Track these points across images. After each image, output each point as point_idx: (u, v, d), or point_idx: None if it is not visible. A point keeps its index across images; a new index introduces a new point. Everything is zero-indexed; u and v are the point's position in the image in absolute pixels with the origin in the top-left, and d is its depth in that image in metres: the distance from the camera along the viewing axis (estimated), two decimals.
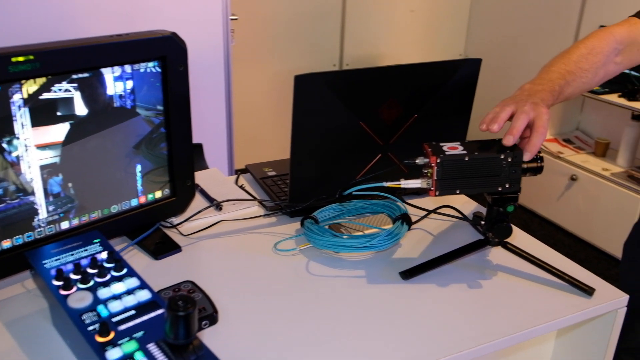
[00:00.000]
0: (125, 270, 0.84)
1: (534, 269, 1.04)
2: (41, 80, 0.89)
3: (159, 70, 1.02)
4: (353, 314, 0.92)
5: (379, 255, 1.09)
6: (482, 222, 1.07)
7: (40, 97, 0.89)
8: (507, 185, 0.96)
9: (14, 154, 0.89)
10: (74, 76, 0.92)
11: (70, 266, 0.84)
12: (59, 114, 0.92)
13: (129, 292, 0.80)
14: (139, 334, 0.72)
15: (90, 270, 0.83)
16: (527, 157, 0.95)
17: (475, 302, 0.96)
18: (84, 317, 0.75)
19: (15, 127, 0.88)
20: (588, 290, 0.97)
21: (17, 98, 0.87)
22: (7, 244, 0.92)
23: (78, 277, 0.82)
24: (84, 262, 0.85)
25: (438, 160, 0.93)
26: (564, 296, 0.98)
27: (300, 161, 1.15)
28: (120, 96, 0.99)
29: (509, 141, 0.94)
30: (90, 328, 0.73)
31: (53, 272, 0.82)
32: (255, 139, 3.41)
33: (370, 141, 1.18)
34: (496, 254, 1.09)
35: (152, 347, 0.70)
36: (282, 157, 1.43)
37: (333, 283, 1.00)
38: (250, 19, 3.19)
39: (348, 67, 3.53)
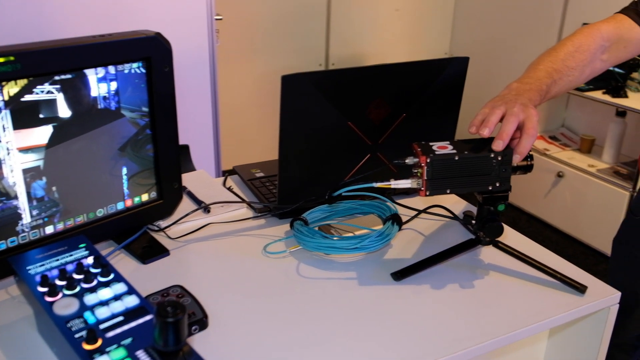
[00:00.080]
0: (112, 276, 0.82)
1: (525, 268, 1.04)
2: (23, 82, 0.87)
3: (143, 71, 1.01)
4: (344, 316, 0.91)
5: (370, 256, 1.08)
6: (473, 222, 1.06)
7: (22, 99, 0.87)
8: (497, 184, 0.96)
9: None
10: (57, 77, 0.90)
11: (55, 272, 0.82)
12: (41, 116, 0.90)
13: (117, 297, 0.78)
14: (127, 340, 0.71)
15: (76, 276, 0.82)
16: (516, 159, 0.95)
17: (468, 303, 0.95)
18: (70, 324, 0.73)
19: None
20: (580, 288, 0.97)
21: None
22: None
23: (64, 283, 0.80)
24: (69, 267, 0.83)
25: (428, 160, 0.93)
26: (557, 294, 0.97)
27: (288, 162, 1.13)
28: (105, 98, 0.97)
29: (498, 146, 0.93)
30: (77, 335, 0.71)
31: (38, 278, 0.80)
32: (242, 140, 3.39)
33: (359, 141, 1.17)
34: (487, 253, 1.09)
35: (141, 354, 0.68)
36: (269, 158, 1.41)
37: (324, 285, 0.99)
38: (235, 19, 3.17)
39: (334, 66, 3.52)
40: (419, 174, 0.94)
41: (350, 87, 1.13)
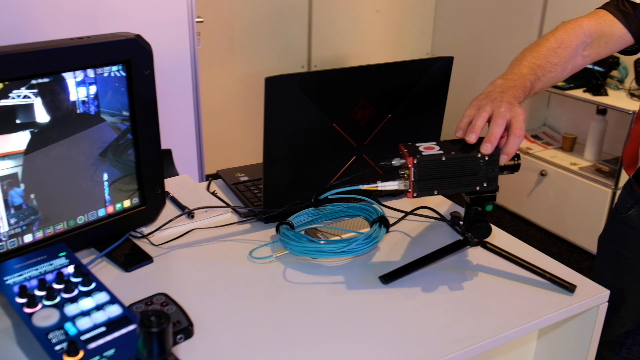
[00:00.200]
0: (93, 285, 0.80)
1: (514, 268, 1.03)
2: None
3: (123, 74, 0.98)
4: (333, 320, 0.90)
5: (358, 259, 1.06)
6: (461, 222, 1.05)
7: None
8: (484, 184, 0.95)
9: None
10: (34, 81, 0.88)
11: (34, 282, 0.79)
12: (18, 121, 0.88)
13: (99, 307, 0.76)
14: (110, 352, 0.69)
15: (56, 286, 0.79)
16: (503, 160, 0.94)
17: (457, 305, 0.94)
18: (50, 336, 0.71)
19: None
20: (570, 288, 0.96)
21: None
22: None
23: (43, 293, 0.77)
24: (49, 277, 0.81)
25: (415, 161, 0.92)
26: (546, 294, 0.97)
27: (273, 165, 1.12)
28: (84, 102, 0.95)
29: (487, 149, 0.92)
30: (58, 347, 0.69)
31: (16, 288, 0.78)
32: (226, 144, 3.36)
33: (345, 143, 1.16)
34: (476, 254, 1.08)
35: None
36: (253, 161, 1.40)
37: (311, 290, 0.97)
38: (216, 22, 3.15)
39: (316, 68, 3.51)
40: (406, 176, 0.93)
41: (335, 89, 1.11)
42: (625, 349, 1.60)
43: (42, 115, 0.90)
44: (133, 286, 0.97)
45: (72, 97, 0.93)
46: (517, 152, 0.96)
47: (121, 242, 1.06)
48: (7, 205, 0.90)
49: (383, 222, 1.07)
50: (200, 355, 0.82)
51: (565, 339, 1.05)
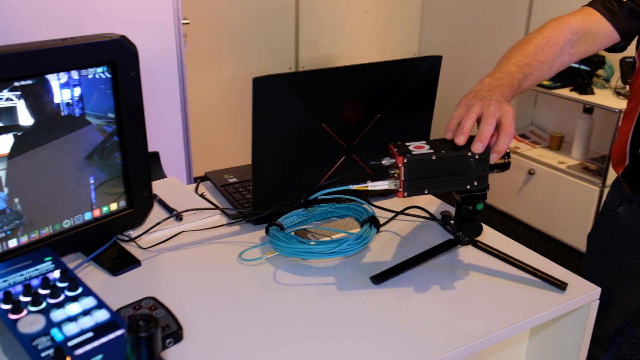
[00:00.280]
0: (80, 289, 0.79)
1: (505, 267, 1.03)
2: None
3: (108, 75, 0.97)
4: (324, 322, 0.89)
5: (348, 260, 1.06)
6: (452, 222, 1.05)
7: None
8: (475, 183, 0.94)
9: None
10: (17, 83, 0.86)
11: (19, 287, 0.78)
12: (1, 124, 0.86)
13: (85, 312, 0.75)
14: (98, 357, 0.67)
15: (41, 291, 0.78)
16: (494, 158, 0.94)
17: (449, 305, 0.94)
18: (36, 342, 0.69)
19: None
20: (561, 286, 0.96)
21: None
22: None
23: (28, 299, 0.76)
24: (34, 282, 0.79)
25: (405, 161, 0.91)
26: (538, 292, 0.97)
27: (262, 166, 1.11)
28: (68, 104, 0.93)
29: (478, 148, 0.92)
30: (44, 354, 0.67)
31: (0, 294, 0.76)
32: (214, 146, 3.35)
33: (334, 143, 1.15)
34: (467, 253, 1.08)
35: None
36: (242, 163, 1.39)
37: (302, 291, 0.96)
38: (203, 23, 3.13)
39: (304, 69, 3.50)
40: (396, 175, 0.93)
41: (323, 89, 1.10)
42: (614, 346, 1.61)
43: (25, 118, 0.89)
44: (121, 290, 0.95)
45: (57, 99, 0.92)
46: (508, 151, 0.96)
47: (108, 245, 1.04)
48: None
49: (373, 222, 1.06)
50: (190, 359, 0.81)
51: (557, 337, 1.05)
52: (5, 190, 0.89)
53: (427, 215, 1.20)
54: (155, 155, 1.95)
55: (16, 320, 0.72)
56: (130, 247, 1.07)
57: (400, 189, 0.92)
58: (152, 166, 1.74)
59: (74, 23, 1.85)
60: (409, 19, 3.84)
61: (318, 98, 1.10)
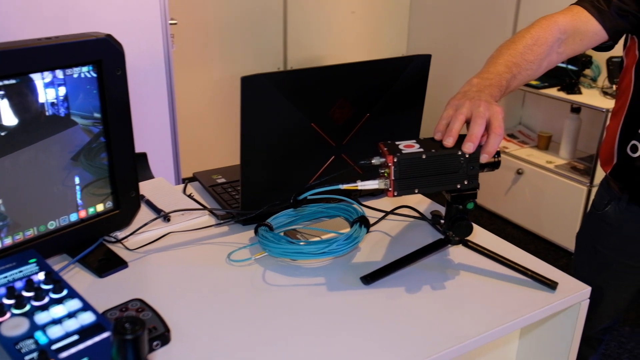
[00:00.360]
0: (65, 292, 0.77)
1: (496, 266, 1.02)
2: None
3: (94, 75, 0.95)
4: (314, 323, 0.88)
5: (338, 260, 1.05)
6: (442, 221, 1.05)
7: None
8: (465, 182, 0.94)
9: None
10: (0, 83, 0.84)
11: (2, 290, 0.76)
12: None
13: (71, 315, 0.73)
14: None
15: (25, 294, 0.76)
16: (484, 158, 0.93)
17: (439, 305, 0.93)
18: (19, 345, 0.68)
19: None
20: (551, 285, 0.96)
21: None
22: None
23: (12, 301, 0.74)
24: (18, 284, 0.77)
25: (395, 160, 0.90)
26: (528, 292, 0.96)
27: (250, 166, 1.10)
28: (53, 104, 0.91)
29: (469, 148, 0.92)
30: (28, 358, 0.66)
31: None
32: (203, 147, 3.33)
33: (323, 143, 1.14)
34: (457, 253, 1.07)
35: None
36: (231, 164, 1.37)
37: (292, 292, 0.95)
38: (190, 24, 3.12)
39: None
40: (386, 174, 0.92)
41: (312, 88, 1.10)
42: (603, 345, 1.62)
43: (9, 118, 0.87)
44: (107, 292, 0.94)
45: (41, 99, 0.90)
46: (498, 150, 0.95)
47: (94, 247, 1.03)
48: None
49: (363, 222, 1.06)
50: None
51: (547, 337, 1.04)
52: None
53: (417, 214, 1.20)
54: (143, 156, 1.93)
55: None
56: (117, 249, 1.06)
57: (390, 188, 0.92)
58: (139, 167, 1.73)
59: (59, 23, 1.83)
60: (397, 20, 3.84)
61: (307, 97, 1.09)
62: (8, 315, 0.72)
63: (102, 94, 0.97)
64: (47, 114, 0.91)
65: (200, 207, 1.21)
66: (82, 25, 1.83)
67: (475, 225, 1.07)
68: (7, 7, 1.72)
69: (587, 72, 2.98)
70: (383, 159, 0.92)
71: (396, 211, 1.20)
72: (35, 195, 0.93)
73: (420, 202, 1.27)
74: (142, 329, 0.61)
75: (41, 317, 0.72)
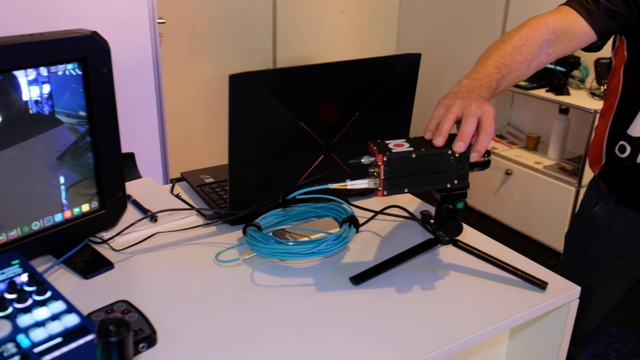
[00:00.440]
0: (49, 294, 0.75)
1: (485, 266, 1.02)
2: None
3: (79, 72, 0.94)
4: (303, 324, 0.87)
5: (327, 260, 1.04)
6: (432, 221, 1.04)
7: None
8: (455, 182, 0.93)
9: None
10: None
11: None
12: None
13: (54, 317, 0.72)
14: None
15: (7, 296, 0.74)
16: (474, 157, 0.93)
17: (429, 305, 0.93)
18: (1, 349, 0.66)
19: None
20: (541, 285, 0.96)
21: None
22: None
23: None
24: (0, 286, 0.76)
25: (385, 159, 0.90)
26: (518, 292, 0.96)
27: (239, 165, 1.09)
28: (37, 102, 0.90)
29: (460, 148, 0.91)
30: None
31: None
32: (191, 147, 3.30)
33: (312, 142, 1.13)
34: (447, 253, 1.07)
35: None
36: (220, 163, 1.36)
37: (280, 293, 0.94)
38: (179, 23, 3.10)
39: None
40: (375, 174, 0.91)
41: (302, 86, 1.09)
42: (592, 345, 1.62)
43: None
44: (93, 294, 0.92)
45: (25, 96, 0.88)
46: (488, 149, 0.95)
47: (80, 248, 1.01)
48: None
49: (353, 222, 1.05)
50: None
51: (537, 337, 1.04)
52: None
53: (407, 214, 1.19)
54: (131, 156, 1.91)
55: None
56: (102, 249, 1.04)
57: (380, 188, 0.91)
58: (127, 167, 1.71)
59: (46, 20, 1.81)
60: (387, 20, 3.84)
61: (296, 96, 1.08)
62: None
63: (87, 92, 0.95)
64: (30, 112, 0.89)
65: (187, 207, 1.20)
66: (69, 23, 1.80)
67: (465, 225, 1.07)
68: None
69: (576, 73, 2.99)
70: (372, 158, 0.91)
71: (386, 211, 1.20)
72: (19, 196, 0.92)
73: (410, 201, 1.26)
74: (127, 331, 0.60)
75: (24, 320, 0.71)
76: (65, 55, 0.92)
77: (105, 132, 0.99)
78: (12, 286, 0.75)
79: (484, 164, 0.95)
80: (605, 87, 2.74)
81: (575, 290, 0.97)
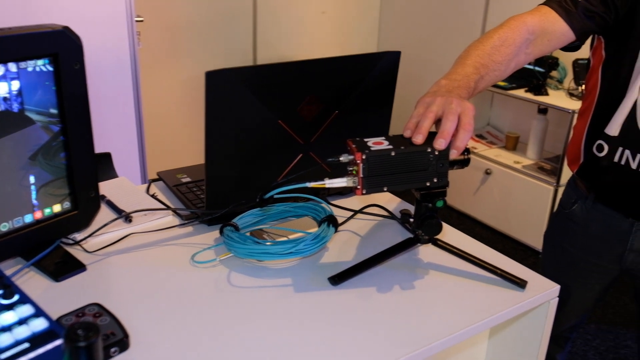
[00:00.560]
0: (16, 297, 0.73)
1: (465, 265, 1.01)
2: None
3: (50, 68, 0.91)
4: (281, 325, 0.86)
5: (306, 261, 1.02)
6: (411, 220, 1.03)
7: None
8: (435, 180, 0.93)
9: None
10: None
11: None
12: None
13: (22, 321, 0.69)
14: None
15: None
16: (453, 154, 0.92)
17: (408, 305, 0.91)
18: None
19: None
20: (521, 284, 0.95)
21: None
22: None
23: None
24: None
25: (363, 157, 0.88)
26: (498, 291, 0.95)
27: (216, 164, 1.06)
28: (5, 98, 0.87)
29: (440, 145, 0.90)
30: None
31: None
32: (170, 147, 3.26)
33: (291, 140, 1.12)
34: (427, 252, 1.06)
35: None
36: (200, 163, 1.34)
37: (258, 294, 0.93)
38: (157, 21, 3.06)
39: None
40: (354, 172, 0.90)
41: (280, 84, 1.07)
42: (570, 343, 1.63)
43: None
44: (64, 297, 0.89)
45: None
46: (467, 147, 0.94)
47: (51, 249, 0.98)
48: None
49: (331, 222, 1.03)
50: None
51: (516, 336, 1.04)
52: None
53: (386, 213, 1.18)
54: (107, 156, 1.88)
55: None
56: (75, 251, 1.02)
57: (358, 186, 0.90)
58: (104, 168, 1.67)
59: (17, 15, 1.77)
60: (368, 20, 3.84)
61: (274, 93, 1.06)
62: None
63: (59, 89, 0.93)
64: None
65: (163, 207, 1.18)
66: (42, 19, 1.77)
67: (444, 224, 1.06)
68: None
69: (554, 73, 3.02)
70: (351, 157, 0.90)
71: (365, 210, 1.18)
72: None
73: (390, 200, 1.25)
74: (96, 335, 0.58)
75: None
76: (36, 50, 0.89)
77: (77, 130, 0.96)
78: None
79: (463, 162, 0.94)
80: (583, 88, 2.77)
81: (554, 288, 0.97)
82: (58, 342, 0.66)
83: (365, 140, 0.92)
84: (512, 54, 1.16)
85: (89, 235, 1.04)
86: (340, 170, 0.93)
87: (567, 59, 2.94)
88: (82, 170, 0.99)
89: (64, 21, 0.95)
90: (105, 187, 1.24)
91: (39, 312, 0.71)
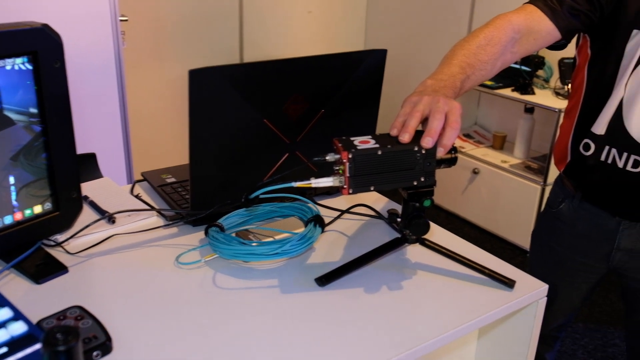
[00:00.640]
0: None
1: (453, 265, 1.01)
2: None
3: (29, 67, 0.89)
4: (267, 327, 0.84)
5: (292, 261, 1.01)
6: (398, 220, 1.02)
7: None
8: (422, 179, 0.92)
9: None
10: None
11: None
12: None
13: (0, 325, 0.67)
14: None
15: None
16: (441, 152, 0.91)
17: (396, 306, 0.90)
18: None
19: None
20: (509, 283, 0.95)
21: None
22: None
23: None
24: None
25: (350, 156, 0.87)
26: (486, 291, 0.95)
27: (200, 164, 1.05)
28: None
29: (428, 143, 0.90)
30: None
31: None
32: (156, 147, 3.24)
33: (276, 140, 1.10)
34: (414, 252, 1.05)
35: None
36: (184, 163, 1.32)
37: (244, 295, 0.91)
38: (142, 21, 3.03)
39: None
40: (340, 171, 0.89)
41: (266, 82, 1.06)
42: (559, 342, 1.63)
43: None
44: (45, 300, 0.88)
45: None
46: (455, 146, 0.94)
47: (32, 251, 0.96)
48: None
49: (318, 222, 1.02)
50: None
51: (505, 336, 1.03)
52: None
53: (373, 213, 1.17)
54: (92, 156, 1.85)
55: None
56: (56, 253, 1.00)
57: (345, 186, 0.89)
58: (88, 168, 1.65)
59: None
60: (354, 19, 3.83)
61: (260, 92, 1.05)
62: None
63: (38, 88, 0.91)
64: None
65: (147, 207, 1.16)
66: (22, 16, 1.74)
67: (432, 224, 1.05)
68: None
69: (540, 73, 3.03)
70: (338, 156, 0.89)
71: (352, 210, 1.17)
72: None
73: (377, 200, 1.24)
74: (76, 339, 0.56)
75: None
76: (14, 48, 0.87)
77: (58, 130, 0.95)
78: None
79: (450, 161, 0.94)
80: (569, 87, 2.78)
81: (543, 288, 0.96)
82: (37, 346, 0.64)
83: (352, 139, 0.91)
84: (498, 53, 1.16)
85: (71, 237, 1.02)
86: (326, 170, 0.92)
87: (553, 58, 2.95)
88: (63, 170, 0.97)
89: (47, 20, 0.93)
90: (88, 188, 1.22)
91: (18, 316, 0.69)
